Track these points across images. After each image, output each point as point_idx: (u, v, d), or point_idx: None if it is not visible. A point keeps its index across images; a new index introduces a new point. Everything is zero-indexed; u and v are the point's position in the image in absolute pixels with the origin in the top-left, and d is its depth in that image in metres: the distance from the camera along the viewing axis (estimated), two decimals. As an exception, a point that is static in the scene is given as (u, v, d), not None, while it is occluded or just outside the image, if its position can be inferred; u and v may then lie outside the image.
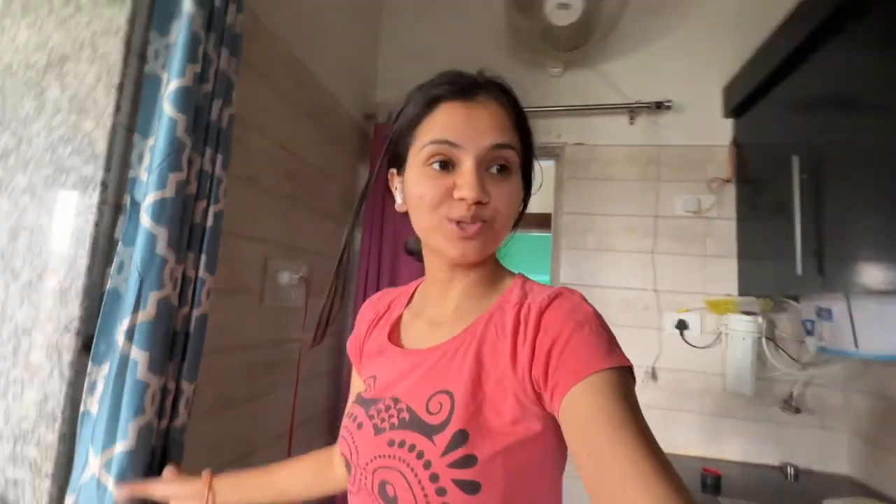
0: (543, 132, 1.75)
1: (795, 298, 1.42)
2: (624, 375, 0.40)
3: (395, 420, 0.48)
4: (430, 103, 0.49)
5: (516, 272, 0.57)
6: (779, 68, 1.28)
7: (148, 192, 0.71)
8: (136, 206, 0.72)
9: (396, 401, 0.50)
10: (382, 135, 1.80)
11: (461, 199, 0.46)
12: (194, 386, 0.80)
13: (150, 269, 0.69)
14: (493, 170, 0.49)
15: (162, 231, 0.70)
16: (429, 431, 0.45)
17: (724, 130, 1.61)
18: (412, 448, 0.44)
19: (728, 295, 1.53)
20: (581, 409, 0.38)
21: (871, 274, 0.94)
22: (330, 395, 1.66)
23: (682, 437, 1.51)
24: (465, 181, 0.46)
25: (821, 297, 1.23)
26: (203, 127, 0.81)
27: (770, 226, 1.35)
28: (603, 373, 0.39)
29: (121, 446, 0.65)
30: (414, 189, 0.49)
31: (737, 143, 1.57)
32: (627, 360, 0.41)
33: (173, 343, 0.77)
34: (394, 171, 0.56)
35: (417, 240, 0.61)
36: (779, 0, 1.25)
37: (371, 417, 0.51)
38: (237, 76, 0.89)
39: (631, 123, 1.68)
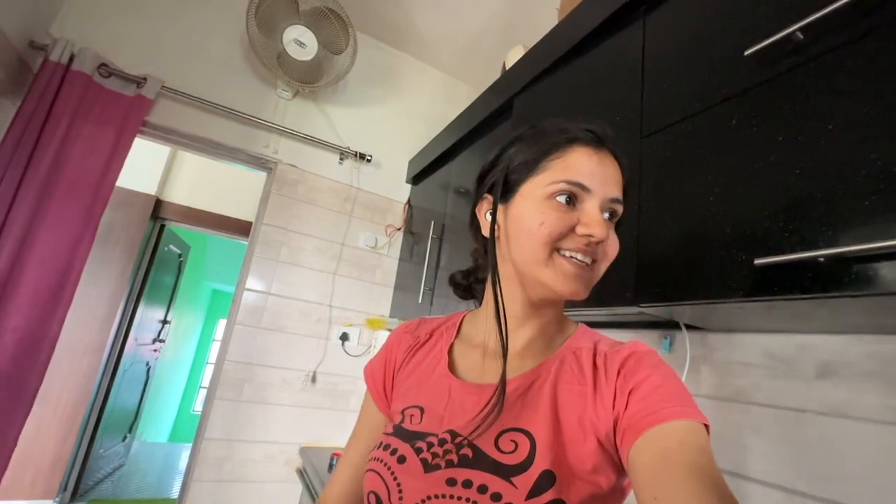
0: (261, 144, 1.82)
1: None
2: (707, 433, 0.39)
3: (453, 457, 0.44)
4: (568, 142, 0.49)
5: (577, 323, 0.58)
6: (438, 159, 1.83)
7: None
8: None
9: (454, 435, 0.46)
10: (52, 74, 1.44)
11: (585, 236, 0.46)
12: None
13: None
14: (605, 216, 0.49)
15: None
16: (504, 472, 0.42)
17: (404, 191, 2.12)
18: (483, 489, 0.41)
19: (382, 315, 1.96)
20: (657, 450, 0.37)
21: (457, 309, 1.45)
22: None
23: (328, 432, 1.79)
24: (594, 220, 0.46)
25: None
26: None
27: (416, 268, 1.85)
28: (691, 422, 0.38)
29: None
30: (531, 218, 0.48)
31: (410, 203, 2.09)
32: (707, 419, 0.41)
33: None
34: (488, 196, 0.55)
35: (466, 274, 0.63)
36: (453, 110, 1.80)
37: (418, 451, 0.46)
38: None
39: (340, 163, 1.98)
